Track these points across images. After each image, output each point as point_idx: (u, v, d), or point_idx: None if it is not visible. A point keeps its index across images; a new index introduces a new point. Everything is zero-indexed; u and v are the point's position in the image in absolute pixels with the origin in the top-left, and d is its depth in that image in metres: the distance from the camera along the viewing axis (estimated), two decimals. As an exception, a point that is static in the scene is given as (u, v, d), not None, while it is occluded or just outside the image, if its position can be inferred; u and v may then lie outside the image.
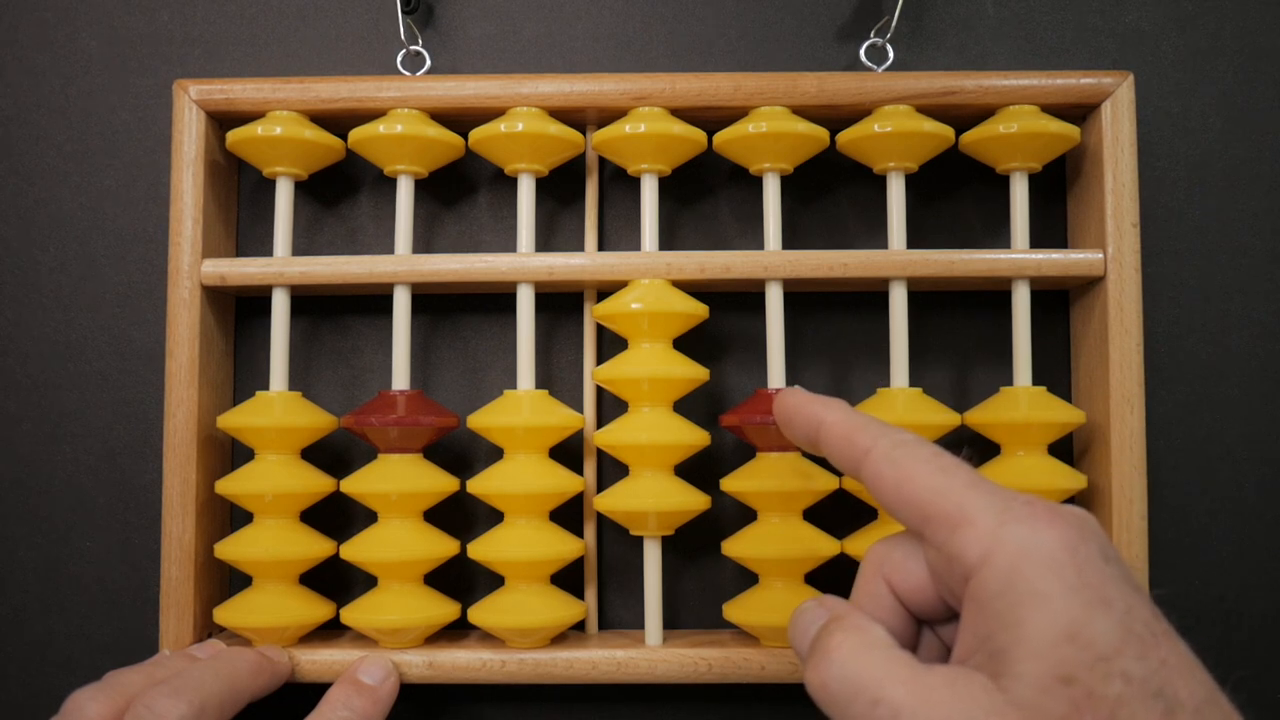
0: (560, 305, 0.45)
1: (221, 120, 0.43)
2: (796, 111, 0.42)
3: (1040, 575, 0.24)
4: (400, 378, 0.41)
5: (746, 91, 0.41)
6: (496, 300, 0.45)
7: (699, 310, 0.41)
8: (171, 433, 0.41)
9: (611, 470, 0.44)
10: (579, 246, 0.45)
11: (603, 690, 0.43)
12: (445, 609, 0.40)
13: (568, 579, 0.42)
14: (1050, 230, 0.45)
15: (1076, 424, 0.40)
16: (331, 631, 0.42)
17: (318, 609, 0.41)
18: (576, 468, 0.43)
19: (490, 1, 0.46)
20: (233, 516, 0.44)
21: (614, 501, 0.40)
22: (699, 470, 0.43)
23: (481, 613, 0.40)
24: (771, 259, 0.41)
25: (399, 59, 0.45)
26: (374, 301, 0.45)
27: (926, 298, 0.44)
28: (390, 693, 0.38)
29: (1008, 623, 0.24)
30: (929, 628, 0.29)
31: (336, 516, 0.44)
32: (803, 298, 0.45)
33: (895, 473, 0.27)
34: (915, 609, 0.28)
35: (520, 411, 0.40)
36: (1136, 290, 0.40)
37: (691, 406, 0.44)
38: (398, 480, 0.40)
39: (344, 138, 0.42)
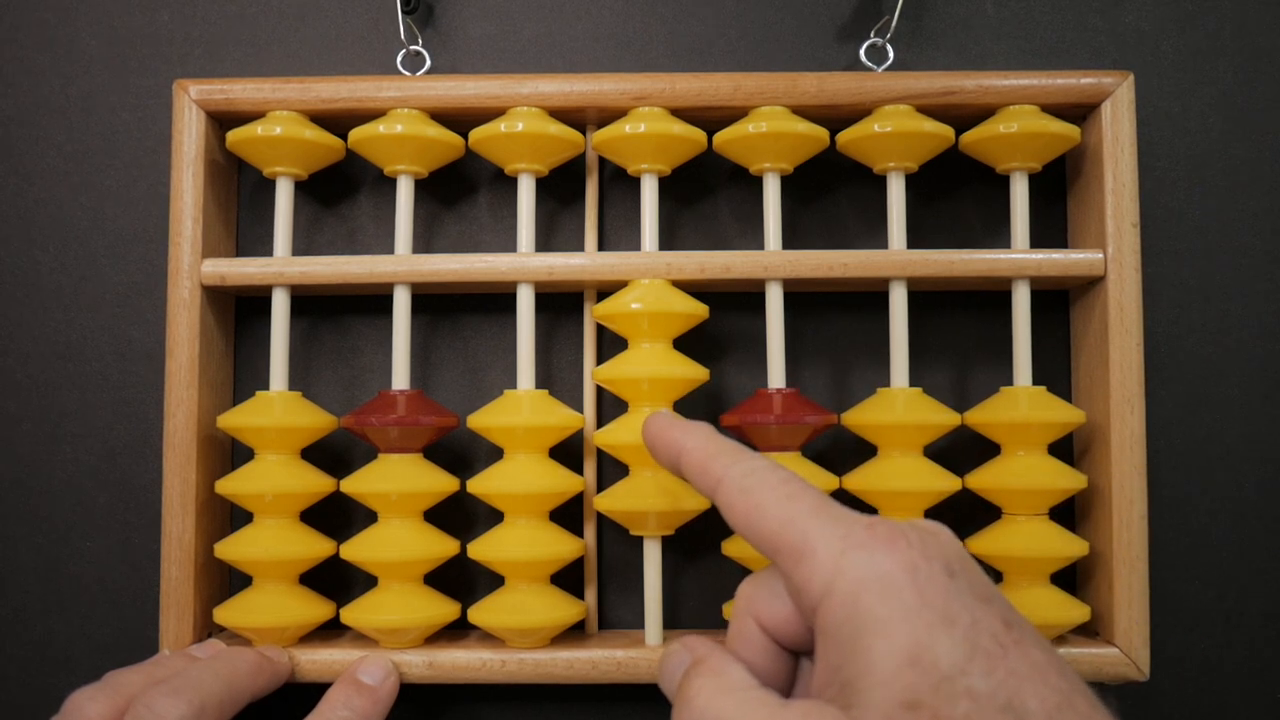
0: (560, 305, 0.45)
1: (221, 120, 0.43)
2: (796, 111, 0.42)
3: (880, 601, 0.24)
4: (400, 378, 0.41)
5: (746, 91, 0.41)
6: (496, 300, 0.45)
7: (699, 310, 0.41)
8: (171, 433, 0.41)
9: (611, 470, 0.44)
10: (579, 246, 0.45)
11: (603, 690, 0.43)
12: (445, 609, 0.40)
13: (568, 579, 0.42)
14: (1050, 230, 0.45)
15: (1076, 424, 0.40)
16: (331, 631, 0.42)
17: (318, 609, 0.41)
18: (576, 468, 0.43)
19: (490, 1, 0.46)
20: (233, 516, 0.44)
21: (614, 501, 0.40)
22: (699, 470, 0.43)
23: (481, 613, 0.40)
24: (771, 259, 0.41)
25: (399, 59, 0.45)
26: (374, 301, 0.45)
27: (926, 298, 0.44)
28: (390, 693, 0.38)
29: (853, 652, 0.24)
30: (806, 658, 0.29)
31: (336, 516, 0.44)
32: (803, 298, 0.45)
33: (745, 503, 0.28)
34: (786, 642, 0.28)
35: (520, 411, 0.40)
36: (1136, 290, 0.40)
37: (691, 406, 0.44)
38: (398, 480, 0.40)
39: (344, 138, 0.42)
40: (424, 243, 0.45)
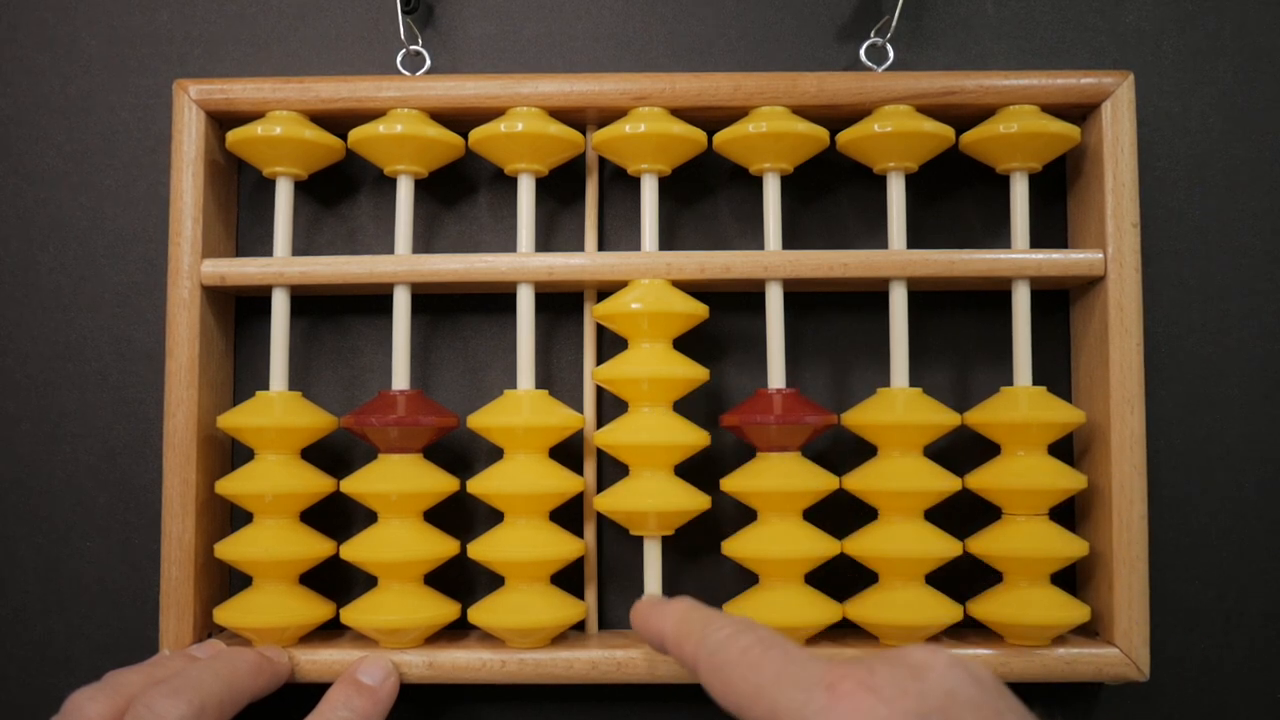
0: (560, 305, 0.45)
1: (221, 120, 0.43)
2: (796, 111, 0.42)
3: None
4: (400, 378, 0.41)
5: (746, 91, 0.41)
6: (496, 300, 0.45)
7: (699, 310, 0.41)
8: (171, 433, 0.41)
9: (611, 470, 0.44)
10: (579, 246, 0.45)
11: (603, 690, 0.43)
12: (445, 609, 0.40)
13: (568, 579, 0.42)
14: (1050, 230, 0.45)
15: (1076, 424, 0.40)
16: (331, 631, 0.42)
17: (318, 609, 0.41)
18: (576, 468, 0.43)
19: (490, 1, 0.46)
20: (233, 516, 0.44)
21: (614, 501, 0.40)
22: (699, 470, 0.43)
23: (481, 613, 0.40)
24: (771, 259, 0.41)
25: (399, 59, 0.45)
26: (374, 301, 0.45)
27: (926, 298, 0.44)
28: (390, 693, 0.38)
29: None
30: None
31: (336, 516, 0.44)
32: (803, 298, 0.45)
33: (718, 681, 0.28)
34: None
35: (520, 411, 0.40)
36: (1136, 290, 0.40)
37: (691, 406, 0.44)
38: (398, 480, 0.40)
39: (344, 138, 0.42)
40: (424, 243, 0.45)
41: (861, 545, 0.40)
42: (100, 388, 0.45)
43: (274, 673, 0.38)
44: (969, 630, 0.41)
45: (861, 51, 0.44)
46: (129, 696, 0.34)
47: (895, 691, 0.24)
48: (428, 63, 0.45)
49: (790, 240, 0.45)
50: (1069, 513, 0.43)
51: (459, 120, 0.42)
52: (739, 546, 0.40)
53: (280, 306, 0.42)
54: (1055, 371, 0.45)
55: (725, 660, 0.28)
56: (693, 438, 0.40)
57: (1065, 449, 0.44)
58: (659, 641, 0.33)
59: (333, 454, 0.45)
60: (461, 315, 0.45)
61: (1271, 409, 0.44)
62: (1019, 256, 0.41)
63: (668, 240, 0.45)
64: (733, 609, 0.40)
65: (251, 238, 0.45)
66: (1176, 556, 0.44)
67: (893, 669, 0.25)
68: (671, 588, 0.44)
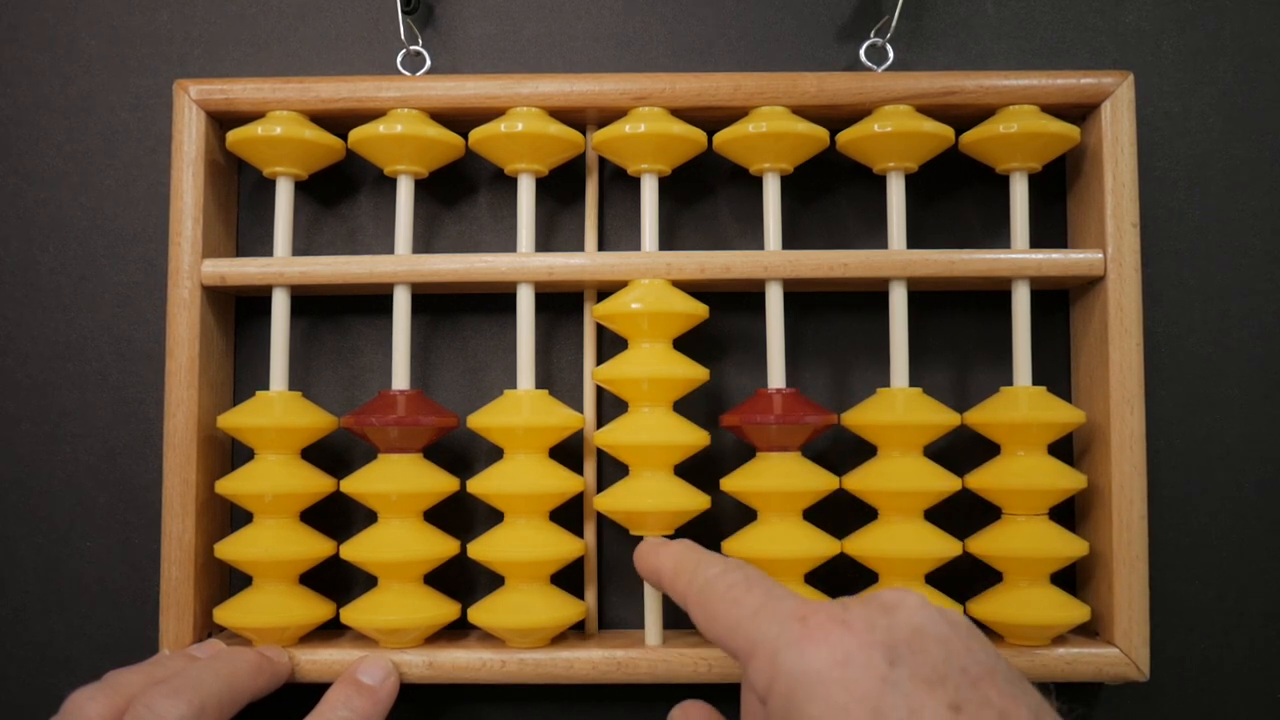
0: (560, 305, 0.45)
1: (221, 120, 0.43)
2: (796, 111, 0.42)
3: (809, 700, 0.24)
4: (400, 378, 0.41)
5: (746, 91, 0.41)
6: (496, 300, 0.45)
7: (699, 310, 0.41)
8: (171, 433, 0.41)
9: (611, 470, 0.44)
10: (579, 246, 0.45)
11: (603, 690, 0.43)
12: (445, 609, 0.40)
13: (568, 579, 0.42)
14: (1050, 230, 0.45)
15: (1076, 424, 0.40)
16: (331, 631, 0.42)
17: (318, 609, 0.41)
18: (576, 468, 0.43)
19: (490, 1, 0.46)
20: (233, 516, 0.44)
21: (614, 501, 0.40)
22: (699, 470, 0.43)
23: (481, 613, 0.40)
24: (771, 259, 0.41)
25: (399, 59, 0.45)
26: (374, 301, 0.45)
27: (926, 298, 0.44)
28: (390, 693, 0.38)
29: None
30: None
31: (336, 516, 0.44)
32: (803, 298, 0.45)
33: (703, 614, 0.29)
34: None
35: (520, 411, 0.40)
36: (1136, 290, 0.40)
37: (691, 406, 0.44)
38: (398, 480, 0.40)
39: (344, 138, 0.42)
40: (424, 243, 0.45)
41: (861, 545, 0.40)
42: (100, 388, 0.45)
43: (274, 672, 0.38)
44: (969, 630, 0.41)
45: (861, 51, 0.44)
46: (129, 696, 0.34)
47: (865, 625, 0.25)
48: (428, 63, 0.45)
49: (790, 240, 0.45)
50: (1069, 513, 0.43)
51: (459, 120, 0.42)
52: (739, 546, 0.40)
53: (280, 306, 0.42)
54: (1055, 371, 0.45)
55: (711, 595, 0.29)
56: (693, 438, 0.40)
57: (1065, 449, 0.44)
58: (657, 579, 0.34)
59: (333, 454, 0.45)
60: (461, 315, 0.45)
61: (1271, 409, 0.44)
62: (1019, 256, 0.41)
63: (668, 240, 0.45)
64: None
65: (251, 238, 0.45)
66: (1176, 556, 0.44)
67: (865, 606, 0.26)
68: (671, 588, 0.44)
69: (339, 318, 0.45)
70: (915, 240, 0.44)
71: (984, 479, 0.40)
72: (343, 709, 0.36)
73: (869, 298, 0.44)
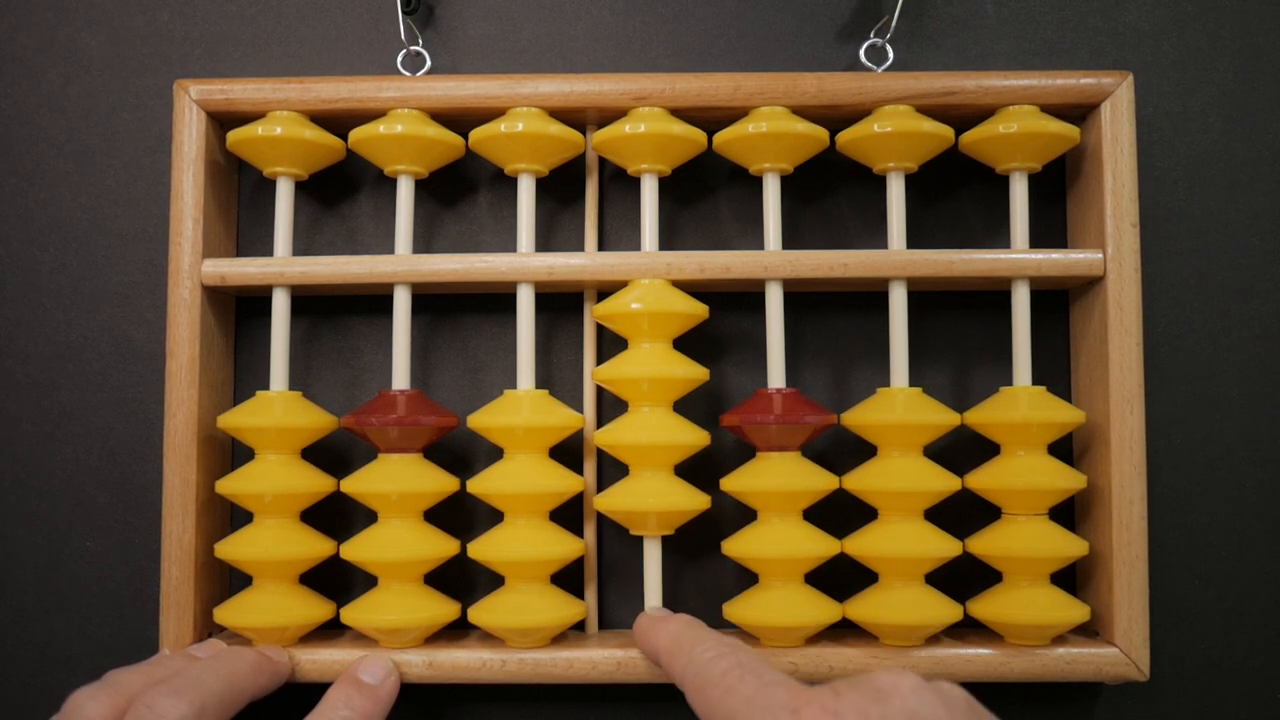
0: (560, 305, 0.45)
1: (222, 120, 0.43)
2: (796, 111, 0.42)
3: None
4: (400, 378, 0.41)
5: (746, 91, 0.41)
6: (496, 300, 0.45)
7: (699, 310, 0.41)
8: (171, 433, 0.41)
9: (611, 470, 0.44)
10: (579, 246, 0.45)
11: (603, 690, 0.43)
12: (445, 609, 0.40)
13: (568, 579, 0.42)
14: (1050, 230, 0.45)
15: (1076, 424, 0.40)
16: (331, 631, 0.42)
17: (318, 609, 0.41)
18: (576, 468, 0.43)
19: (490, 1, 0.46)
20: (233, 516, 0.44)
21: (614, 501, 0.40)
22: (699, 470, 0.43)
23: (481, 613, 0.40)
24: (771, 259, 0.41)
25: (399, 59, 0.45)
26: (374, 301, 0.45)
27: (926, 298, 0.44)
28: (391, 692, 0.38)
29: None
30: None
31: (336, 516, 0.44)
32: (803, 298, 0.45)
33: (699, 700, 0.30)
34: None
35: (520, 411, 0.40)
36: (1136, 290, 0.40)
37: (691, 406, 0.44)
38: (398, 480, 0.40)
39: (344, 138, 0.42)
40: (424, 243, 0.45)
41: (861, 545, 0.40)
42: (100, 388, 0.45)
43: (274, 672, 0.38)
44: (969, 630, 0.41)
45: (861, 52, 0.44)
46: (130, 696, 0.34)
47: (857, 715, 0.25)
48: (428, 63, 0.45)
49: (790, 240, 0.45)
50: (1069, 513, 0.43)
51: (459, 120, 0.42)
52: (739, 546, 0.40)
53: (280, 306, 0.42)
54: (1055, 371, 0.45)
55: (706, 682, 0.30)
56: (693, 438, 0.40)
57: (1065, 449, 0.44)
58: (655, 657, 0.35)
59: (333, 454, 0.45)
60: (461, 315, 0.45)
61: (1271, 409, 0.44)
62: (1019, 256, 0.41)
63: (668, 240, 0.45)
64: (733, 609, 0.40)
65: (252, 238, 0.45)
66: (1176, 556, 0.44)
67: (858, 692, 0.26)
68: (671, 587, 0.44)
69: (339, 318, 0.45)
70: (915, 240, 0.44)
71: (984, 479, 0.40)
72: (343, 708, 0.36)
73: (869, 298, 0.44)
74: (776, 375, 0.41)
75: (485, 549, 0.40)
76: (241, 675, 0.36)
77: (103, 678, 0.35)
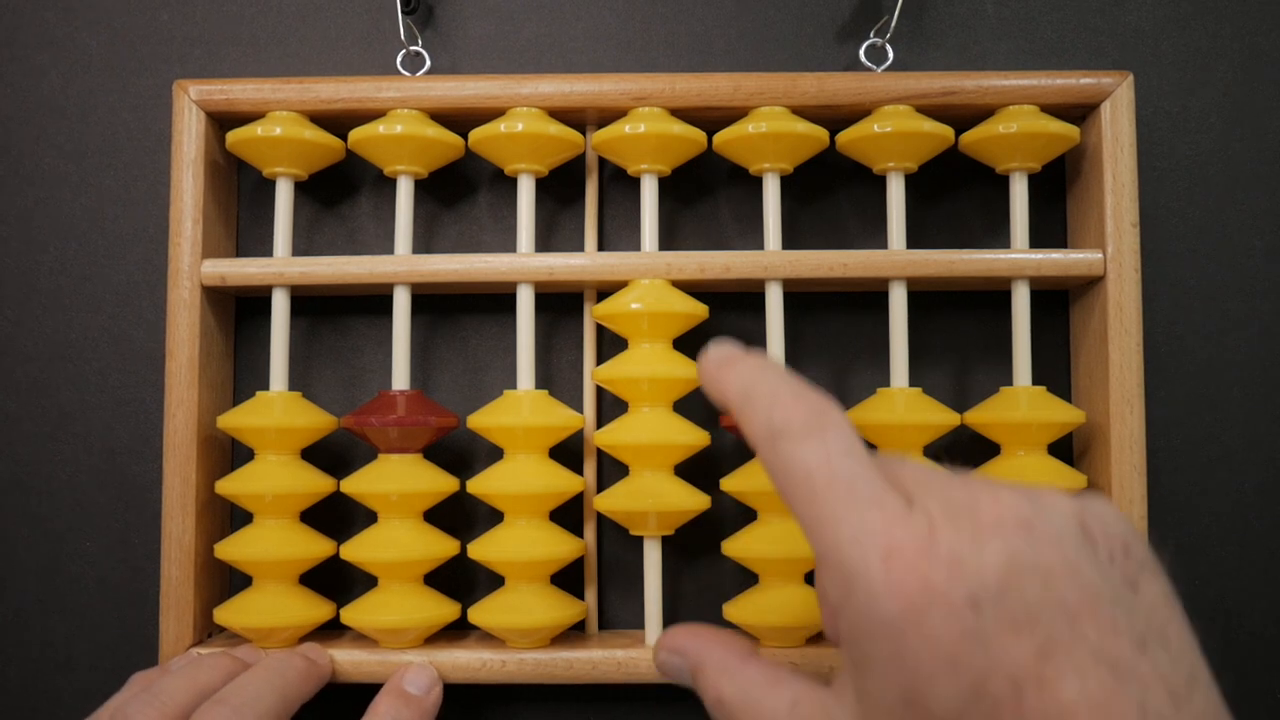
0: (560, 305, 0.45)
1: (221, 120, 0.43)
2: (796, 111, 0.42)
3: (876, 643, 0.22)
4: (400, 378, 0.41)
5: (746, 91, 0.41)
6: (496, 300, 0.45)
7: (699, 310, 0.41)
8: (171, 433, 0.41)
9: (611, 470, 0.44)
10: (579, 246, 0.45)
11: (603, 690, 0.43)
12: (445, 609, 0.40)
13: (568, 579, 0.42)
14: (1050, 230, 0.45)
15: (1076, 424, 0.40)
16: (331, 631, 0.42)
17: (318, 609, 0.41)
18: (576, 468, 0.43)
19: (490, 1, 0.46)
20: (233, 516, 0.44)
21: (614, 501, 0.40)
22: (699, 470, 0.43)
23: (481, 613, 0.40)
24: (771, 259, 0.41)
25: (399, 59, 0.45)
26: (374, 301, 0.45)
27: (926, 298, 0.44)
28: (435, 703, 0.38)
29: (857, 674, 0.23)
30: None
31: (336, 516, 0.44)
32: (803, 298, 0.45)
33: (774, 478, 0.26)
34: None
35: (520, 411, 0.40)
36: (1136, 290, 0.40)
37: (691, 406, 0.44)
38: (398, 480, 0.40)
39: (344, 138, 0.42)
40: (424, 243, 0.45)
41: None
42: (100, 388, 0.45)
43: (320, 676, 0.38)
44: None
45: (861, 52, 0.44)
46: (179, 706, 0.33)
47: (950, 561, 0.22)
48: (428, 63, 0.45)
49: (790, 240, 0.45)
50: (1069, 513, 0.43)
51: (459, 120, 0.42)
52: (739, 546, 0.40)
53: (280, 306, 0.42)
54: (1055, 371, 0.45)
55: (785, 471, 0.25)
56: (693, 438, 0.40)
57: (1065, 449, 0.44)
58: (723, 402, 0.29)
59: (333, 454, 0.45)
60: (461, 315, 0.45)
61: (1271, 409, 0.44)
62: (1018, 256, 0.41)
63: (668, 240, 0.45)
64: (732, 609, 0.40)
65: (251, 238, 0.45)
66: (1176, 556, 0.44)
67: (955, 530, 0.22)
68: (671, 588, 0.44)
69: (339, 318, 0.45)
70: (915, 240, 0.44)
71: (984, 479, 0.40)
72: None
73: (869, 298, 0.44)
74: (776, 375, 0.41)
75: (485, 549, 0.40)
76: (293, 686, 0.36)
77: (140, 684, 0.35)
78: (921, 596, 0.22)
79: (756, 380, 0.27)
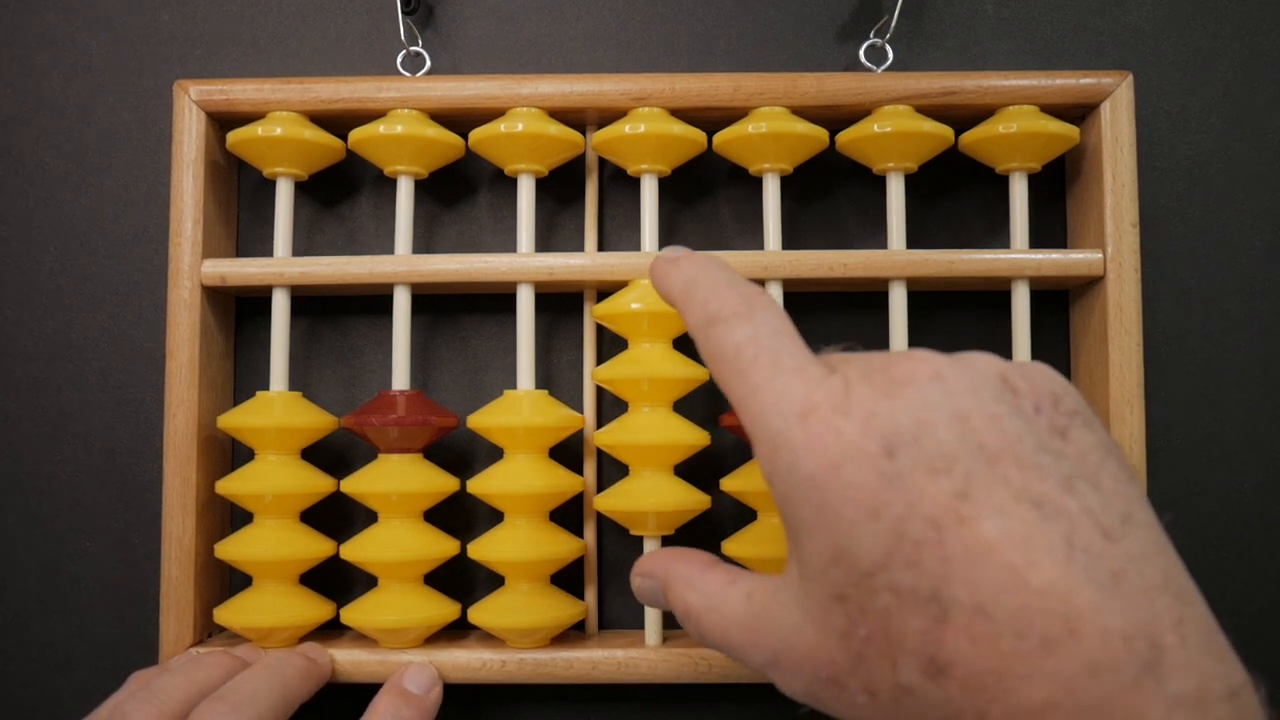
0: (560, 305, 0.45)
1: (222, 121, 0.43)
2: (796, 112, 0.42)
3: (804, 505, 0.23)
4: (400, 378, 0.41)
5: (746, 92, 0.41)
6: (496, 300, 0.45)
7: (699, 310, 0.41)
8: (172, 433, 0.41)
9: (611, 470, 0.44)
10: (579, 246, 0.45)
11: (603, 690, 0.43)
12: (445, 609, 0.40)
13: (568, 579, 0.42)
14: (1050, 230, 0.45)
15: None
16: (331, 631, 0.42)
17: (318, 609, 0.41)
18: (576, 468, 0.43)
19: (490, 1, 0.46)
20: (233, 516, 0.44)
21: (614, 501, 0.40)
22: (699, 470, 0.43)
23: (481, 613, 0.40)
24: (771, 259, 0.41)
25: (399, 60, 0.45)
26: (374, 301, 0.45)
27: (926, 298, 0.44)
28: (435, 702, 0.38)
29: (792, 543, 0.24)
30: None
31: (336, 516, 0.44)
32: (803, 298, 0.45)
33: (707, 362, 0.27)
34: None
35: (520, 411, 0.40)
36: (1136, 290, 0.40)
37: (691, 406, 0.44)
38: (398, 480, 0.40)
39: (344, 138, 0.42)
40: (424, 243, 0.45)
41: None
42: (100, 388, 0.45)
43: (320, 676, 0.38)
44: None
45: (861, 52, 0.44)
46: (177, 704, 0.33)
47: (865, 414, 0.23)
48: (428, 63, 0.45)
49: (790, 240, 0.45)
50: (1069, 513, 0.43)
51: (459, 121, 0.42)
52: (739, 546, 0.40)
53: (280, 307, 0.42)
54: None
55: (718, 353, 0.27)
56: (693, 438, 0.40)
57: (1065, 449, 0.44)
58: (668, 298, 0.30)
59: (333, 454, 0.45)
60: (461, 315, 0.45)
61: (1271, 409, 0.44)
62: (1018, 256, 0.41)
63: (668, 240, 0.45)
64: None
65: (252, 238, 0.45)
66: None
67: (870, 386, 0.24)
68: (671, 588, 0.44)
69: (339, 318, 0.45)
70: (915, 240, 0.44)
71: (984, 479, 0.40)
72: (391, 718, 0.36)
73: (869, 298, 0.44)
74: (776, 375, 0.41)
75: (485, 549, 0.40)
76: (293, 685, 0.36)
77: (139, 682, 0.35)
78: (837, 449, 0.23)
79: (697, 274, 0.29)
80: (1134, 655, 0.20)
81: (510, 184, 0.44)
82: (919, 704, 0.22)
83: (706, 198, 0.46)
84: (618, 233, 0.45)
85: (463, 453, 0.45)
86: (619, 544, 0.44)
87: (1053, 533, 0.21)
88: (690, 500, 0.40)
